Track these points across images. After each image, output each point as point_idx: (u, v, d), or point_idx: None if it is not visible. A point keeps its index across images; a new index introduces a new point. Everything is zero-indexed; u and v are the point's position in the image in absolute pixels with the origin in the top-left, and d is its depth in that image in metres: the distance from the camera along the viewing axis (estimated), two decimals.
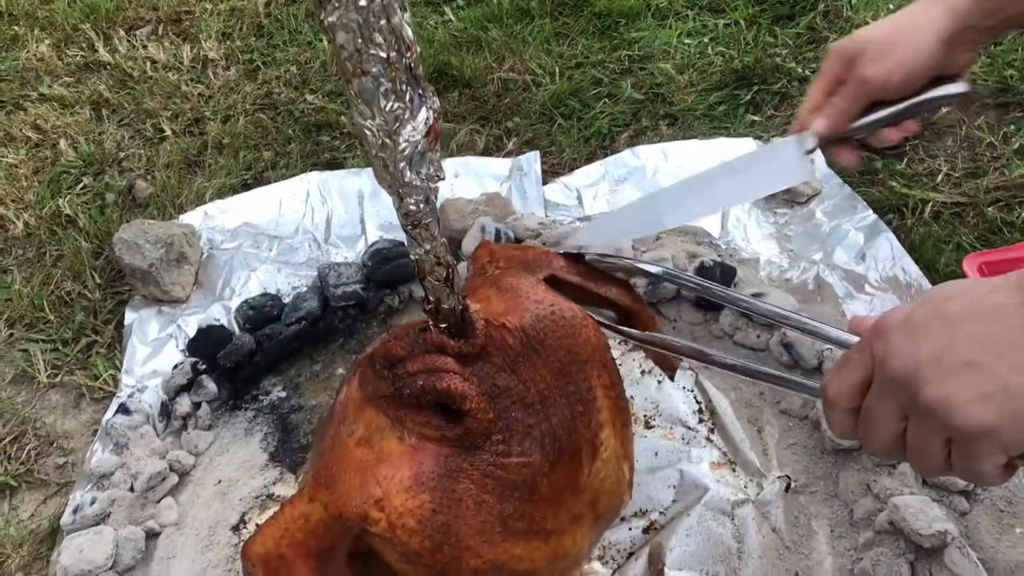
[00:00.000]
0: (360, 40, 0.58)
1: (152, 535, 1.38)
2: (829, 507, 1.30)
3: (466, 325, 0.81)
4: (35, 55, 2.40)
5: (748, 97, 1.99)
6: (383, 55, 0.59)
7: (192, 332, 1.63)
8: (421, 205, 0.70)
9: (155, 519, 1.38)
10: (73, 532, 1.35)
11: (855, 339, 0.81)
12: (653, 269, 1.00)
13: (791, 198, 1.74)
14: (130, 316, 1.70)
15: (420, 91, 0.64)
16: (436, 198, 0.71)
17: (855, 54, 1.03)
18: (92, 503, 1.38)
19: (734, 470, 1.34)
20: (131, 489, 1.41)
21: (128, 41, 2.41)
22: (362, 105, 0.62)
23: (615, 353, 1.06)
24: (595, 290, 1.00)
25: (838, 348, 0.85)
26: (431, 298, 0.78)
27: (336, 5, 0.56)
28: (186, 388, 1.53)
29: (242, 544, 0.81)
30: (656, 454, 1.36)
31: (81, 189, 2.01)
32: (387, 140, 0.64)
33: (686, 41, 2.17)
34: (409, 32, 0.60)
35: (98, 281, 1.78)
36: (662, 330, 1.03)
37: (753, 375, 0.94)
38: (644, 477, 1.32)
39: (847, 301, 1.56)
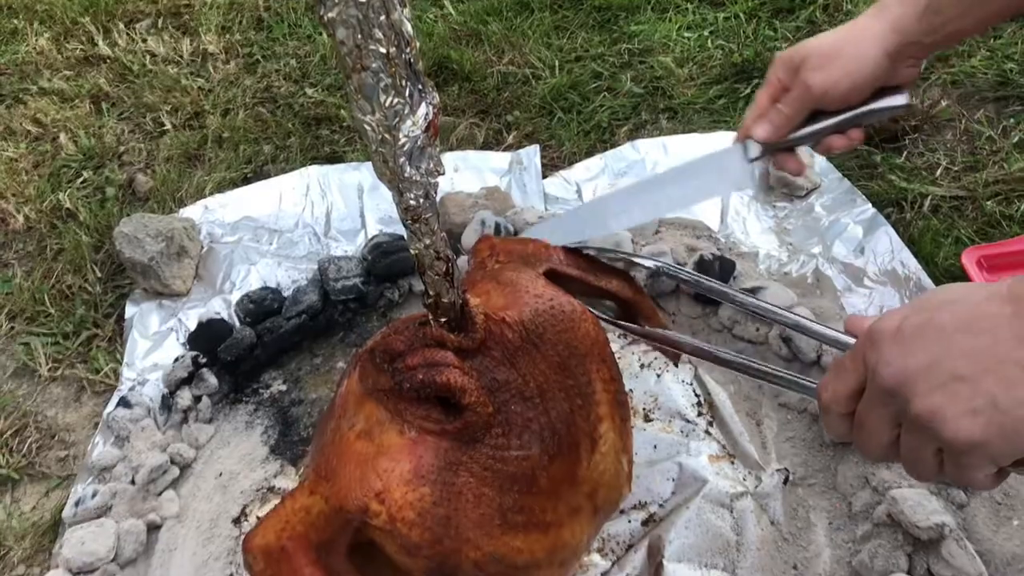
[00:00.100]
0: (360, 36, 0.58)
1: (153, 528, 1.38)
2: (827, 500, 1.30)
3: (466, 319, 0.82)
4: (34, 48, 2.40)
5: (748, 91, 1.99)
6: (383, 51, 0.60)
7: (193, 326, 1.63)
8: (421, 200, 0.70)
9: (156, 512, 1.39)
10: (75, 525, 1.36)
11: (850, 340, 0.82)
12: (650, 264, 1.01)
13: (790, 192, 1.75)
14: (131, 310, 1.70)
15: (420, 86, 0.64)
16: (436, 193, 0.71)
17: (800, 62, 1.06)
18: (94, 496, 1.38)
19: (733, 463, 1.35)
20: (132, 482, 1.41)
21: (127, 34, 2.41)
22: (362, 100, 0.62)
23: (614, 347, 1.06)
24: (595, 283, 1.01)
25: (833, 348, 0.86)
26: (431, 292, 0.78)
27: (336, 1, 0.57)
28: (187, 381, 1.53)
29: (243, 536, 0.82)
30: (655, 447, 1.36)
31: (81, 183, 2.01)
32: (387, 135, 0.64)
33: (686, 34, 2.17)
34: (409, 28, 0.60)
35: (99, 275, 1.78)
36: (664, 321, 1.04)
37: (753, 373, 0.94)
38: (643, 470, 1.32)
39: (846, 294, 1.56)
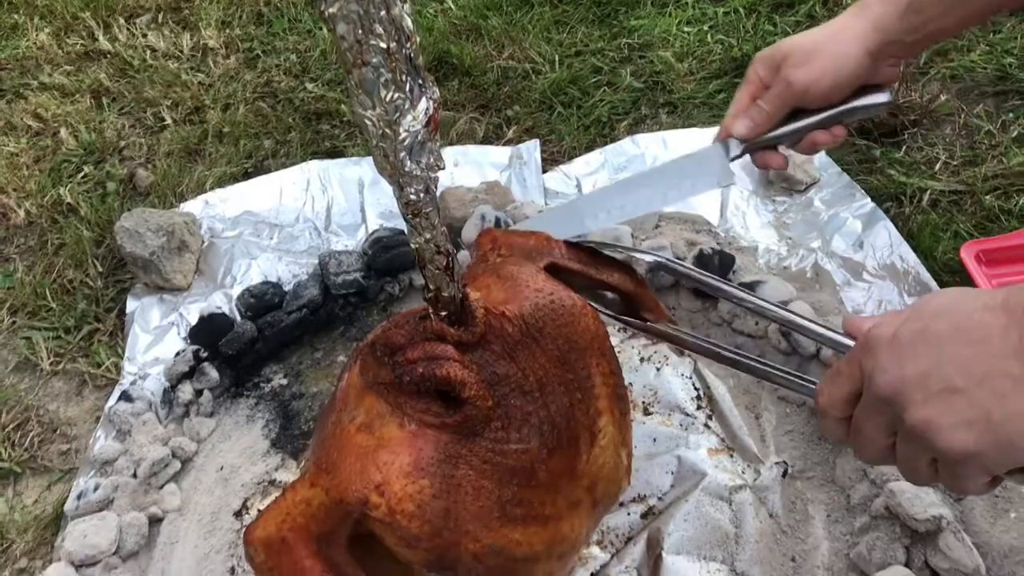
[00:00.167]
0: (360, 31, 0.59)
1: (155, 521, 1.39)
2: (826, 492, 1.31)
3: (466, 313, 0.82)
4: (35, 44, 2.40)
5: None
6: (383, 46, 0.60)
7: (194, 320, 1.63)
8: (421, 194, 0.70)
9: (158, 505, 1.40)
10: (77, 518, 1.37)
11: (848, 341, 0.82)
12: (648, 258, 1.01)
13: (790, 186, 1.75)
14: (132, 304, 1.70)
15: (420, 81, 0.64)
16: (436, 187, 0.72)
17: (781, 59, 1.06)
18: (95, 489, 1.39)
19: (732, 456, 1.35)
20: (134, 475, 1.42)
21: (128, 29, 2.42)
22: (362, 95, 0.63)
23: (614, 341, 1.07)
24: (597, 276, 1.01)
25: (831, 349, 0.86)
26: (431, 286, 0.78)
27: None
28: (188, 375, 1.54)
29: (244, 529, 0.82)
30: (654, 440, 1.37)
31: (82, 178, 2.01)
32: (387, 130, 0.65)
33: (685, 29, 2.17)
34: (409, 23, 0.60)
35: (100, 269, 1.79)
36: (666, 314, 1.04)
37: (754, 372, 0.95)
38: (642, 463, 1.33)
39: (845, 288, 1.56)
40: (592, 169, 1.87)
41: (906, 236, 1.61)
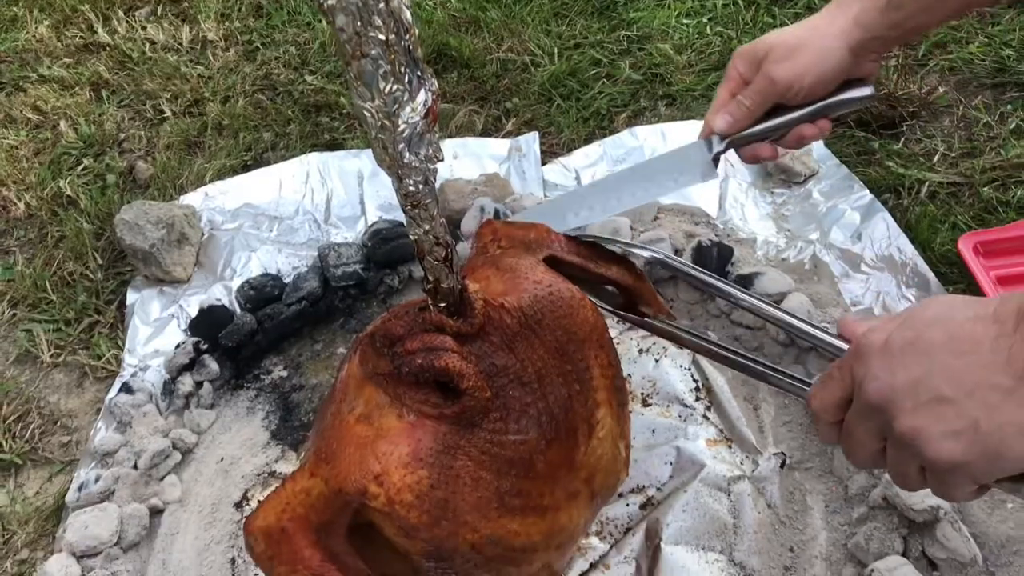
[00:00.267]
0: (359, 23, 0.59)
1: (156, 512, 1.40)
2: (824, 483, 1.32)
3: (465, 305, 0.82)
4: (34, 36, 2.40)
5: None
6: (382, 38, 0.60)
7: (194, 312, 1.64)
8: (420, 186, 0.70)
9: (159, 496, 1.40)
10: (78, 509, 1.37)
11: (838, 343, 0.83)
12: (645, 254, 1.01)
13: (788, 178, 1.75)
14: (132, 296, 1.71)
15: (419, 73, 0.65)
16: (435, 179, 0.72)
17: (763, 56, 1.07)
18: (96, 481, 1.39)
19: (730, 447, 1.36)
20: (135, 467, 1.42)
21: (127, 22, 2.41)
22: (361, 87, 0.63)
23: (613, 333, 1.07)
24: (596, 269, 1.01)
25: (825, 351, 0.86)
26: (430, 278, 0.79)
27: None
28: (188, 367, 1.54)
29: (244, 519, 0.83)
30: (653, 431, 1.37)
31: (82, 170, 2.02)
32: (386, 122, 0.65)
33: (684, 21, 2.17)
34: (408, 15, 0.61)
35: (100, 262, 1.79)
36: (665, 307, 1.04)
37: (750, 372, 0.96)
38: (641, 454, 1.34)
39: (843, 280, 1.57)
40: (591, 161, 1.88)
41: (904, 228, 1.61)
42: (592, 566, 1.24)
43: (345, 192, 1.88)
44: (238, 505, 1.40)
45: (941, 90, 1.86)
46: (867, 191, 1.69)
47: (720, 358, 0.99)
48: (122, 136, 2.10)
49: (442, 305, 0.81)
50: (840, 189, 1.71)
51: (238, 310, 1.63)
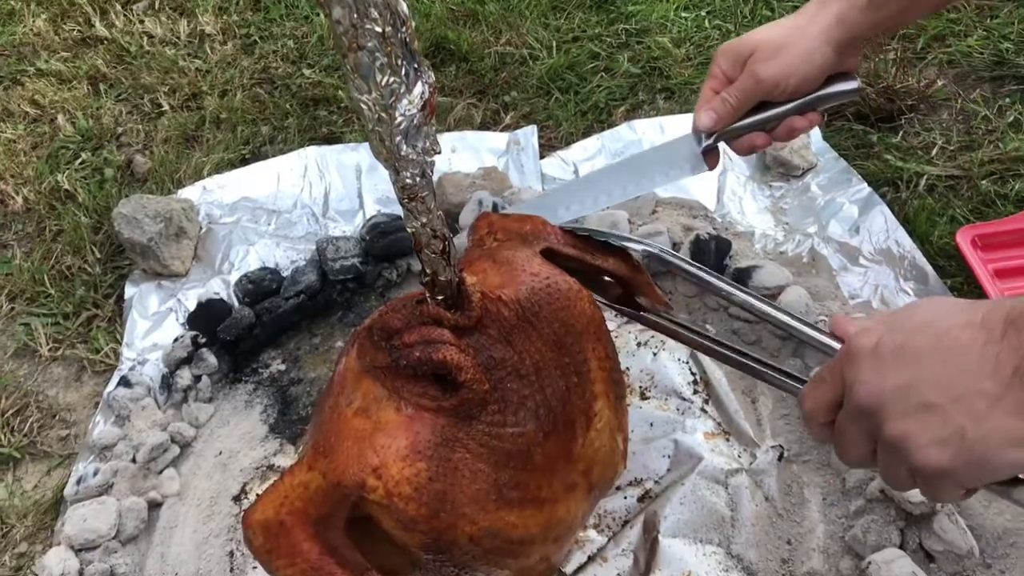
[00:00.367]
0: (355, 15, 0.59)
1: (154, 505, 1.40)
2: (821, 476, 1.32)
3: (462, 297, 0.82)
4: (32, 30, 2.39)
5: None
6: (378, 30, 0.60)
7: (192, 306, 1.64)
8: (417, 179, 0.71)
9: (157, 490, 1.40)
10: (77, 502, 1.38)
11: (831, 342, 0.83)
12: (639, 248, 1.01)
13: (786, 171, 1.75)
14: (130, 290, 1.71)
15: (416, 65, 0.65)
16: (432, 172, 0.72)
17: (747, 54, 1.09)
18: (95, 474, 1.39)
19: (728, 440, 1.36)
20: (133, 460, 1.42)
21: (125, 15, 2.41)
22: (358, 80, 0.63)
23: (611, 325, 1.07)
24: (593, 262, 1.01)
25: (819, 351, 0.86)
26: (428, 271, 0.79)
27: None
28: (186, 361, 1.54)
29: (243, 512, 0.83)
30: (651, 424, 1.38)
31: (80, 164, 2.01)
32: (383, 114, 0.65)
33: (683, 15, 2.17)
34: (404, 7, 0.61)
35: (98, 255, 1.79)
36: (663, 299, 1.05)
37: (745, 369, 0.96)
38: (639, 447, 1.34)
39: (841, 273, 1.57)
40: (589, 155, 1.87)
41: (902, 221, 1.61)
42: (590, 559, 1.25)
43: (343, 186, 1.88)
44: (236, 499, 1.40)
45: (939, 83, 1.86)
46: (865, 184, 1.69)
47: (717, 354, 0.99)
48: (120, 130, 2.10)
49: (440, 298, 0.81)
50: (838, 182, 1.71)
51: (236, 304, 1.64)
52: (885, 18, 1.06)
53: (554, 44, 2.13)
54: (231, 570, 1.32)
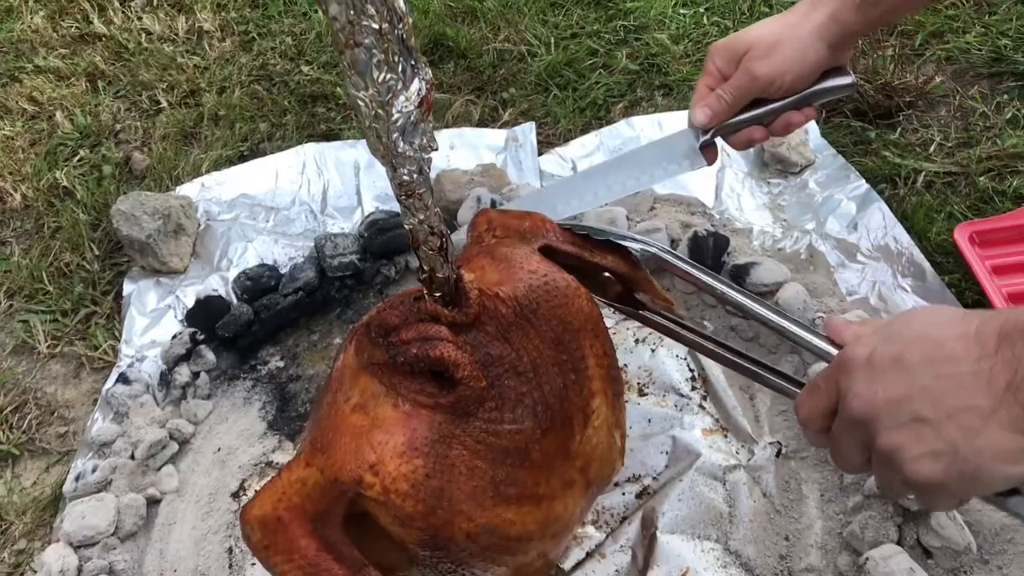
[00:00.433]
0: (352, 12, 0.59)
1: (153, 502, 1.40)
2: (819, 472, 1.32)
3: (460, 294, 0.82)
4: (30, 27, 2.39)
5: None
6: (375, 26, 0.60)
7: (190, 303, 1.64)
8: (414, 175, 0.71)
9: (156, 486, 1.41)
10: (75, 499, 1.38)
11: (826, 346, 0.83)
12: (636, 247, 1.01)
13: (785, 168, 1.75)
14: (128, 287, 1.71)
15: (413, 62, 0.65)
16: (429, 168, 0.72)
17: (742, 52, 1.11)
18: (94, 471, 1.40)
19: (726, 436, 1.36)
20: (132, 457, 1.42)
21: (123, 12, 2.41)
22: (355, 76, 0.63)
23: (609, 322, 1.07)
24: (591, 258, 1.01)
25: (813, 355, 0.86)
26: (425, 267, 0.79)
27: None
28: (185, 358, 1.54)
29: (241, 508, 0.83)
30: (649, 421, 1.38)
31: (78, 161, 2.01)
32: (380, 111, 0.65)
33: (681, 11, 2.17)
34: (401, 3, 0.61)
35: (96, 252, 1.79)
36: (662, 295, 1.05)
37: (743, 371, 0.96)
38: (637, 443, 1.34)
39: (839, 270, 1.57)
40: (588, 152, 1.87)
41: (900, 217, 1.61)
42: (588, 555, 1.25)
43: (341, 182, 1.88)
44: (235, 495, 1.40)
45: (938, 80, 1.86)
46: (863, 181, 1.69)
47: (715, 355, 1.00)
48: (118, 127, 2.10)
49: (437, 295, 0.81)
50: (836, 179, 1.71)
51: (235, 301, 1.64)
52: (878, 15, 1.07)
53: (552, 41, 2.13)
54: (230, 566, 1.32)
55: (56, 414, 1.57)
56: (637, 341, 1.48)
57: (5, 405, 1.56)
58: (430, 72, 0.66)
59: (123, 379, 1.52)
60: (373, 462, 0.76)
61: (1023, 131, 1.73)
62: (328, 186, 1.87)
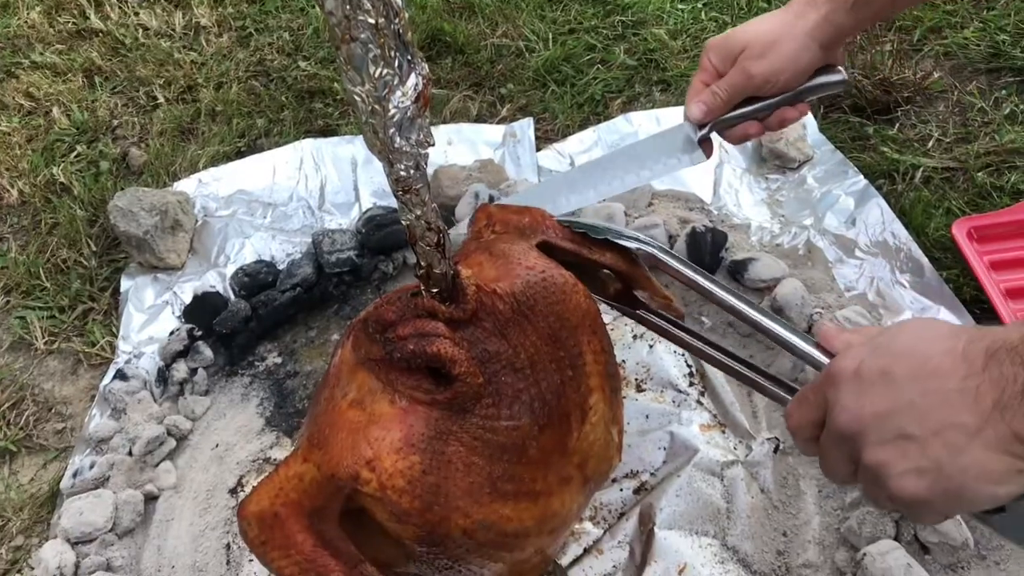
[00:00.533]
0: (348, 6, 0.59)
1: (151, 498, 1.40)
2: (817, 468, 1.31)
3: (457, 290, 0.82)
4: (26, 22, 2.38)
5: None
6: (371, 21, 0.60)
7: (188, 299, 1.64)
8: (411, 171, 0.70)
9: (153, 483, 1.40)
10: (73, 495, 1.37)
11: (820, 355, 0.83)
12: (632, 245, 1.01)
13: (783, 164, 1.75)
14: (126, 283, 1.70)
15: (409, 57, 0.64)
16: (426, 164, 0.72)
17: (738, 50, 1.14)
18: (91, 467, 1.39)
19: (724, 432, 1.36)
20: (129, 453, 1.42)
21: (120, 8, 2.40)
22: (351, 71, 0.63)
23: (607, 319, 1.07)
24: (589, 255, 1.01)
25: (804, 362, 0.86)
26: (422, 263, 0.79)
27: None
28: (182, 354, 1.54)
29: (238, 504, 0.83)
30: (647, 417, 1.38)
31: (75, 157, 2.01)
32: (376, 106, 0.65)
33: (679, 7, 2.16)
34: None
35: (94, 249, 1.79)
36: (661, 291, 1.05)
37: (737, 376, 0.96)
38: (635, 439, 1.34)
39: (837, 266, 1.57)
40: (585, 147, 1.87)
41: (898, 213, 1.61)
42: (586, 551, 1.25)
43: (339, 178, 1.88)
44: (233, 491, 1.40)
45: (936, 75, 1.86)
46: (861, 177, 1.69)
47: (710, 359, 1.00)
48: (115, 123, 2.10)
49: (434, 291, 0.81)
50: (834, 175, 1.71)
51: (232, 297, 1.63)
52: (871, 15, 1.11)
53: (550, 36, 2.13)
54: (227, 563, 1.32)
55: (53, 410, 1.57)
56: (635, 337, 1.48)
57: (2, 402, 1.56)
58: (427, 67, 0.66)
59: (121, 375, 1.52)
60: (370, 458, 0.76)
61: (1021, 127, 1.73)
62: (326, 182, 1.87)
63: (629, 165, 1.18)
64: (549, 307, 0.87)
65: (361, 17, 0.60)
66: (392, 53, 0.62)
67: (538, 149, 1.88)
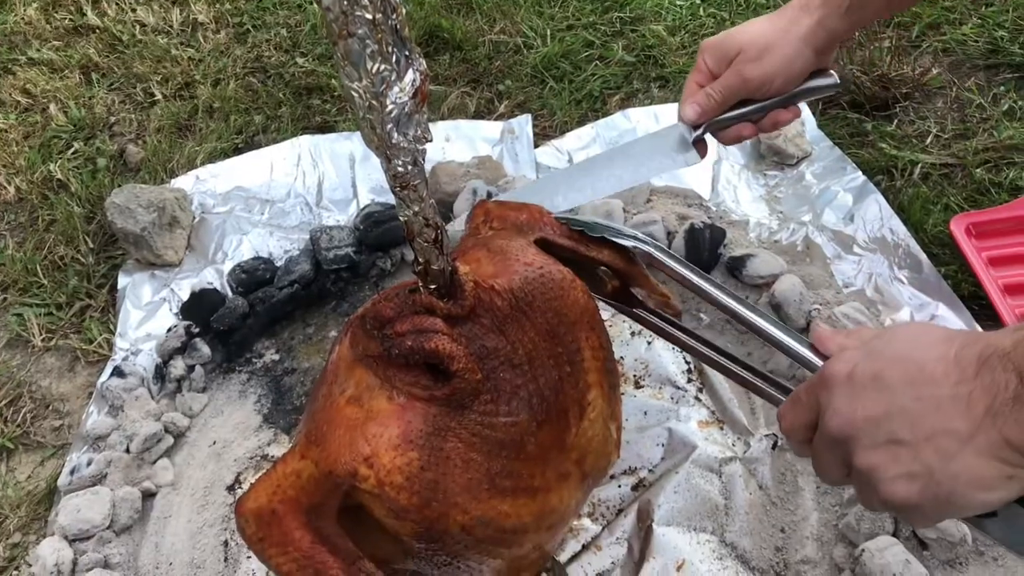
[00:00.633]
0: (346, 2, 0.59)
1: (148, 495, 1.40)
2: None
3: (455, 286, 0.82)
4: (23, 18, 2.38)
5: None
6: (369, 16, 0.60)
7: (185, 296, 1.63)
8: (409, 167, 0.70)
9: (151, 480, 1.40)
10: (70, 493, 1.37)
11: (815, 358, 0.82)
12: (629, 244, 1.01)
13: (781, 160, 1.75)
14: (123, 280, 1.70)
15: (407, 53, 0.64)
16: (424, 160, 0.71)
17: (733, 53, 1.14)
18: (89, 464, 1.39)
19: (722, 428, 1.36)
20: (127, 450, 1.42)
21: (117, 4, 2.40)
22: (349, 67, 0.63)
23: (605, 315, 1.07)
24: (587, 252, 1.01)
25: (798, 363, 0.86)
26: (420, 259, 0.78)
27: None
28: (180, 351, 1.54)
29: (236, 500, 0.83)
30: (645, 413, 1.38)
31: (72, 154, 2.01)
32: (374, 102, 0.65)
33: (678, 3, 2.16)
34: None
35: (91, 245, 1.78)
36: (659, 288, 1.05)
37: (732, 376, 0.96)
38: (633, 435, 1.34)
39: (835, 262, 1.57)
40: (584, 143, 1.87)
41: (897, 209, 1.61)
42: (584, 547, 1.25)
43: (337, 175, 1.87)
44: (231, 488, 1.40)
45: (934, 71, 1.86)
46: (860, 173, 1.69)
47: (706, 359, 1.00)
48: (112, 119, 2.09)
49: (432, 287, 0.81)
50: (833, 171, 1.71)
51: (230, 293, 1.63)
52: (863, 19, 1.12)
53: (548, 32, 2.12)
54: (225, 560, 1.32)
55: (51, 408, 1.56)
56: (633, 333, 1.48)
57: (0, 399, 1.55)
58: (424, 63, 0.66)
59: (118, 372, 1.52)
60: (368, 455, 0.76)
61: (1019, 123, 1.73)
62: (323, 178, 1.87)
63: (625, 164, 1.18)
64: (547, 303, 0.87)
65: (358, 13, 0.59)
66: (390, 49, 0.62)
67: (536, 145, 1.88)
